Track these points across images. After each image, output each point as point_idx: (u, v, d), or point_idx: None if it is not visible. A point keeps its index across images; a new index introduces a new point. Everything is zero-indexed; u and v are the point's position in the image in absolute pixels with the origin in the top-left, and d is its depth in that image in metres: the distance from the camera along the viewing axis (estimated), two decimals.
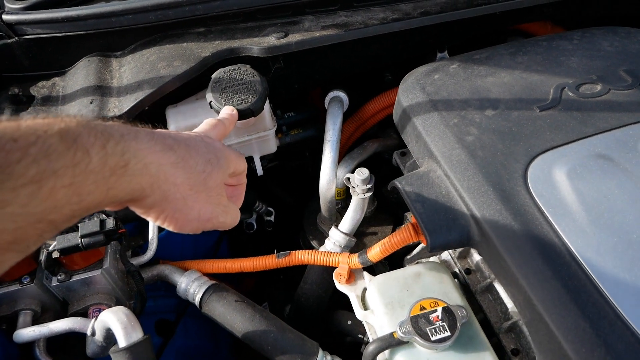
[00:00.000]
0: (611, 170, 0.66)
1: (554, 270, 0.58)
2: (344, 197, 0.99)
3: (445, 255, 0.86)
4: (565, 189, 0.64)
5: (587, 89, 0.78)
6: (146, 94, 0.75)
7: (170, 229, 0.52)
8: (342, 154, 0.99)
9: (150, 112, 0.79)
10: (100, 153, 0.41)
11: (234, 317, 0.73)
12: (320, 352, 0.75)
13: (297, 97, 0.99)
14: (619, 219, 0.62)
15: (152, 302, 0.95)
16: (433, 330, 0.64)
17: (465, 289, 0.82)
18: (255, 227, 1.06)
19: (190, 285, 0.77)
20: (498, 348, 0.77)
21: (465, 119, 0.75)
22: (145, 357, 0.59)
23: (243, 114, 0.73)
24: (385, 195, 1.02)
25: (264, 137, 0.85)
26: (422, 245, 0.84)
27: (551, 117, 0.74)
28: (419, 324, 0.64)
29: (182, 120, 0.80)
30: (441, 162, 0.71)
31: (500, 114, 0.75)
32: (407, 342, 0.65)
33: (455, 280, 0.78)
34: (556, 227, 0.61)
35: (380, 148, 1.01)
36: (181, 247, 0.93)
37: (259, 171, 0.90)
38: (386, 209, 1.02)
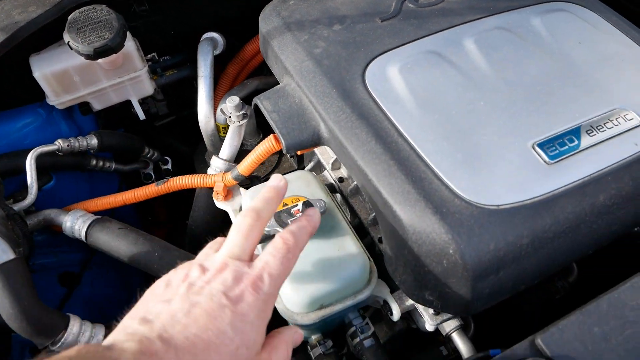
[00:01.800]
0: (438, 63, 0.74)
1: (384, 147, 0.66)
2: None
3: (325, 174, 0.94)
4: (397, 82, 0.72)
5: (426, 0, 0.86)
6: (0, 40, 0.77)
7: None
8: None
9: (13, 63, 0.80)
10: None
11: (118, 243, 0.77)
12: None
13: (174, 43, 1.02)
14: (441, 100, 0.70)
15: (53, 257, 0.97)
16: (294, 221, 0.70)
17: (344, 198, 0.90)
18: (153, 177, 1.10)
19: (75, 222, 0.80)
20: (370, 245, 0.86)
21: (315, 35, 0.81)
22: (16, 277, 0.62)
23: (103, 51, 0.76)
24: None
25: (137, 79, 0.88)
26: None
27: (391, 25, 0.81)
28: (282, 218, 0.71)
29: (47, 67, 0.82)
30: (293, 74, 0.77)
31: (346, 27, 0.82)
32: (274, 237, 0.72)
33: (326, 186, 0.85)
34: (388, 113, 0.69)
35: (262, 85, 1.06)
36: (76, 199, 0.95)
37: (141, 115, 0.93)
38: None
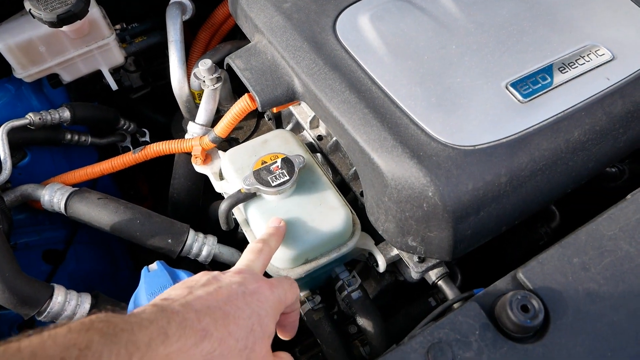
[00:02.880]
0: (408, 9, 0.74)
1: (358, 96, 0.65)
2: None
3: (304, 134, 0.93)
4: (368, 31, 0.71)
5: None
6: None
7: None
8: None
9: None
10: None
11: (99, 212, 0.76)
12: (192, 232, 0.80)
13: (142, 10, 0.99)
14: (413, 46, 0.69)
15: (36, 235, 0.96)
16: (273, 177, 0.70)
17: (324, 157, 0.90)
18: (132, 150, 1.08)
19: (54, 195, 0.79)
20: (354, 201, 0.86)
21: None
22: None
23: (66, 17, 0.74)
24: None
25: (105, 47, 0.86)
26: None
27: None
28: (261, 175, 0.70)
29: (10, 38, 0.79)
30: (264, 31, 0.76)
31: None
32: (255, 195, 0.72)
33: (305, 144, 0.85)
34: (360, 62, 0.68)
35: (235, 49, 1.03)
36: (54, 176, 0.94)
37: (113, 85, 0.92)
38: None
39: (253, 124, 1.01)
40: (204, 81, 0.86)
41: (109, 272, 1.04)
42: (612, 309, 0.55)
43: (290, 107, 0.93)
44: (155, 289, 0.62)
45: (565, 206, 1.04)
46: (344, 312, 0.92)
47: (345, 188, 0.86)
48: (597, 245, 0.60)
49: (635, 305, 0.56)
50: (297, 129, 0.94)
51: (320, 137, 0.88)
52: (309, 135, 0.90)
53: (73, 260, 0.97)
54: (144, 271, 0.65)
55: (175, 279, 0.64)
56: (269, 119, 0.99)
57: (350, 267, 0.81)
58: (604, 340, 0.54)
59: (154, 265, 0.65)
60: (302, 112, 0.91)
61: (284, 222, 0.66)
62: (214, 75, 0.84)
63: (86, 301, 0.68)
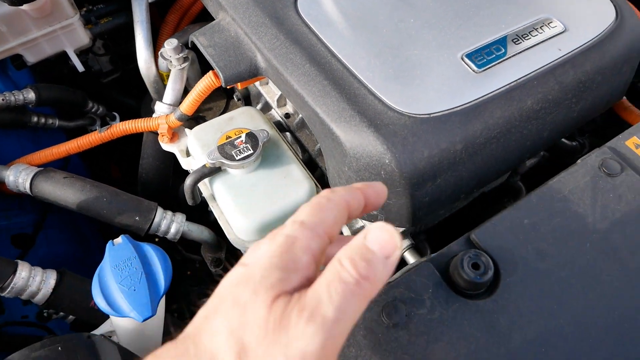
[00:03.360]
0: None
1: (318, 69, 0.67)
2: None
3: (272, 113, 0.94)
4: (328, 6, 0.73)
5: None
6: None
7: None
8: None
9: None
10: None
11: (65, 191, 0.76)
12: (160, 209, 0.81)
13: None
14: (372, 20, 0.71)
15: (5, 220, 0.96)
16: (238, 152, 0.71)
17: (292, 135, 0.91)
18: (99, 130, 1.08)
19: (19, 175, 0.79)
20: (321, 177, 0.87)
21: None
22: None
23: None
24: None
25: (69, 27, 0.86)
26: None
27: None
28: (225, 149, 0.71)
29: None
30: (227, 8, 0.77)
31: None
32: (221, 170, 0.73)
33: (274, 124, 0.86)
34: (320, 36, 0.69)
35: None
36: (21, 155, 0.93)
37: (79, 67, 0.91)
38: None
39: (223, 105, 1.02)
40: (170, 61, 0.86)
41: (81, 256, 1.04)
42: (559, 266, 0.58)
43: (259, 87, 0.94)
44: (120, 262, 0.63)
45: (531, 181, 1.07)
46: None
47: (313, 165, 0.88)
48: (547, 206, 0.62)
49: (581, 262, 0.58)
50: (266, 108, 0.95)
51: (287, 115, 0.90)
52: (277, 113, 0.91)
53: (44, 244, 0.97)
54: (108, 245, 0.65)
55: (140, 253, 0.65)
56: (238, 100, 1.00)
57: None
58: (551, 295, 0.56)
59: (119, 239, 0.66)
60: (270, 92, 0.92)
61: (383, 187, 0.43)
62: (180, 55, 0.85)
63: (51, 277, 0.68)
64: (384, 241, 0.36)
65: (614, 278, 0.58)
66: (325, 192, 0.40)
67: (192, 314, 1.00)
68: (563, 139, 1.03)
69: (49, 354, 0.55)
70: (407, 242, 0.81)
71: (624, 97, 1.01)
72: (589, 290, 0.57)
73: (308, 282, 0.35)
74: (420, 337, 0.53)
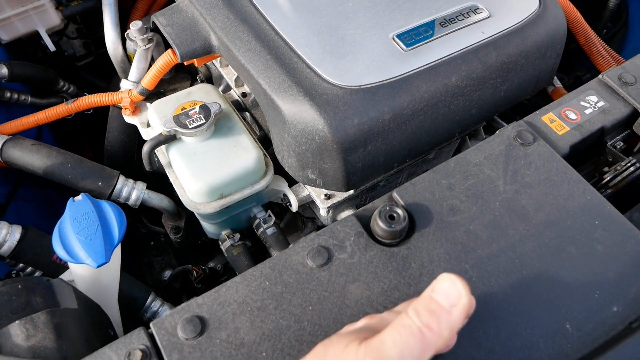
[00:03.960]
0: None
1: (262, 45, 0.73)
2: None
3: (231, 93, 1.01)
4: None
5: None
6: None
7: None
8: None
9: None
10: None
11: (32, 157, 0.82)
12: (122, 177, 0.87)
13: None
14: (314, 3, 0.78)
15: None
16: (191, 121, 0.78)
17: (249, 113, 0.98)
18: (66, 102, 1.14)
19: None
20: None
21: None
22: None
23: None
24: None
25: (41, 8, 0.92)
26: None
27: None
28: (180, 119, 0.78)
29: None
30: None
31: None
32: (176, 138, 0.79)
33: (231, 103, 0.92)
34: (267, 17, 0.76)
35: None
36: None
37: (50, 47, 0.97)
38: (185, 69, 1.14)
39: (187, 86, 1.09)
40: (136, 42, 0.92)
41: (52, 228, 1.09)
42: (469, 219, 0.65)
43: (220, 69, 1.00)
44: (78, 216, 0.69)
45: None
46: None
47: (268, 141, 0.94)
48: (463, 170, 0.69)
49: (489, 218, 0.65)
50: (227, 89, 1.02)
51: (244, 94, 0.96)
52: (235, 93, 0.98)
53: (14, 214, 1.02)
54: (69, 201, 0.71)
55: (97, 208, 0.71)
56: (201, 81, 1.07)
57: (268, 210, 0.90)
58: (460, 244, 0.63)
59: (79, 197, 0.72)
60: (229, 73, 0.99)
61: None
62: (145, 36, 0.91)
63: (17, 231, 0.74)
64: (447, 289, 0.37)
65: (518, 232, 0.65)
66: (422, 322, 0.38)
67: (154, 281, 1.08)
68: (504, 124, 1.11)
69: (10, 290, 0.61)
70: (352, 211, 0.88)
71: (560, 85, 1.09)
72: (494, 241, 0.64)
73: None
74: (339, 277, 0.60)
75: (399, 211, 0.62)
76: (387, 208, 0.63)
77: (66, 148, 1.27)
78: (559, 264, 0.62)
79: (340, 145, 0.69)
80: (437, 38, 0.75)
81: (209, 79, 1.05)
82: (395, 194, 0.67)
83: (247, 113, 0.98)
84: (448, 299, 0.37)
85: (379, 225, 0.62)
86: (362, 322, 0.45)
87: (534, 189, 0.69)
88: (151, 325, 0.56)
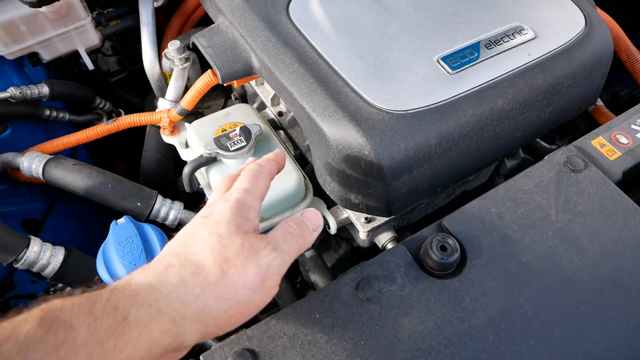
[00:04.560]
0: None
1: (306, 68, 0.73)
2: None
3: (267, 111, 1.00)
4: (317, 12, 0.79)
5: None
6: None
7: (238, 324, 0.47)
8: None
9: None
10: (87, 320, 0.36)
11: (73, 177, 0.83)
12: (160, 197, 0.87)
13: None
14: (357, 25, 0.77)
15: (16, 206, 1.02)
16: (232, 143, 0.77)
17: (285, 132, 0.97)
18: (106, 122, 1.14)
19: (32, 162, 0.85)
20: (311, 173, 0.93)
21: None
22: None
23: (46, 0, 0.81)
24: None
25: (82, 28, 0.92)
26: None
27: None
28: (221, 141, 0.78)
29: None
30: (225, 13, 0.83)
31: None
32: (216, 160, 0.79)
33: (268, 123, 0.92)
34: (309, 39, 0.76)
35: None
36: (33, 145, 0.99)
37: (89, 65, 0.98)
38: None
39: (221, 104, 1.09)
40: (173, 61, 0.93)
41: (86, 244, 1.10)
42: (521, 251, 0.63)
43: (255, 87, 1.00)
44: (122, 239, 0.69)
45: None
46: (306, 282, 0.99)
47: (304, 160, 0.94)
48: (513, 197, 0.68)
49: (542, 249, 0.64)
50: (262, 107, 1.01)
51: (280, 113, 0.96)
52: (271, 112, 0.97)
53: (51, 229, 1.03)
54: (112, 224, 0.71)
55: (140, 231, 0.71)
56: (236, 99, 1.06)
57: None
58: (513, 276, 0.61)
59: (122, 220, 0.72)
60: (265, 91, 0.99)
61: (281, 151, 0.62)
62: (182, 55, 0.92)
63: (60, 253, 0.74)
64: (314, 218, 0.56)
65: (573, 264, 0.63)
66: (254, 165, 0.57)
67: None
68: (544, 143, 1.09)
69: None
70: (390, 234, 0.87)
71: (601, 104, 1.07)
72: (549, 274, 0.62)
73: (255, 230, 0.51)
74: (390, 311, 0.59)
75: (451, 242, 0.61)
76: (439, 238, 0.61)
77: (99, 162, 1.29)
78: (618, 300, 0.60)
79: (387, 171, 0.68)
80: (482, 60, 0.73)
81: (244, 96, 1.05)
82: (444, 222, 0.65)
83: (281, 131, 0.98)
84: (313, 224, 0.56)
85: (431, 257, 0.60)
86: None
87: (588, 218, 0.67)
88: (201, 357, 0.55)
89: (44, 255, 0.72)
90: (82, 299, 0.38)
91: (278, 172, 0.60)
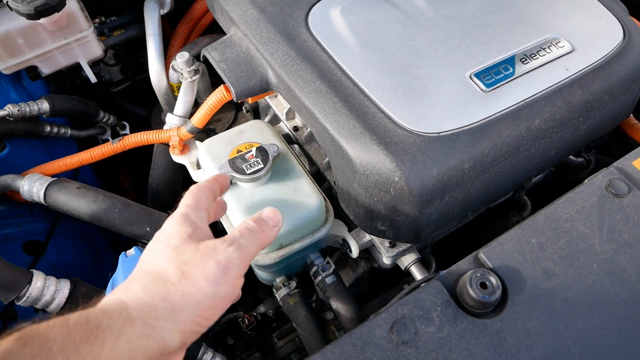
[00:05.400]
0: (378, 3, 0.76)
1: (328, 86, 0.68)
2: None
3: (281, 125, 0.95)
4: (339, 23, 0.74)
5: None
6: None
7: (212, 317, 0.48)
8: None
9: None
10: (62, 331, 0.39)
11: (78, 202, 0.77)
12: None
13: (120, 4, 1.01)
14: (382, 38, 0.72)
15: (17, 227, 0.97)
16: (248, 165, 0.72)
17: (300, 147, 0.92)
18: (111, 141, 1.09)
19: (33, 185, 0.80)
20: (328, 190, 0.88)
21: None
22: None
23: (44, 10, 0.75)
24: None
25: (84, 40, 0.87)
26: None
27: None
28: (236, 163, 0.72)
29: None
30: (239, 24, 0.78)
31: None
32: (231, 183, 0.74)
33: (283, 139, 0.87)
34: (331, 53, 0.71)
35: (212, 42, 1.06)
36: (34, 167, 0.94)
37: (92, 78, 0.93)
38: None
39: (232, 117, 1.03)
40: (181, 73, 0.87)
41: (92, 264, 1.05)
42: (566, 286, 0.59)
43: (268, 100, 0.95)
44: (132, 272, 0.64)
45: (536, 196, 1.08)
46: (322, 300, 0.95)
47: (321, 178, 0.89)
48: (554, 226, 0.63)
49: (587, 283, 0.59)
50: (275, 120, 0.96)
51: (296, 128, 0.91)
52: (286, 126, 0.92)
53: (54, 251, 0.98)
54: (121, 256, 0.66)
55: None
56: (247, 112, 1.01)
57: (326, 254, 0.84)
58: (558, 315, 0.57)
59: (131, 251, 0.67)
60: (278, 104, 0.93)
61: (226, 175, 0.65)
62: (192, 68, 0.86)
63: (65, 287, 0.69)
64: (273, 216, 0.58)
65: (621, 300, 0.58)
66: (193, 187, 0.59)
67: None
68: (571, 156, 1.04)
69: None
70: (414, 257, 0.82)
71: (631, 115, 1.02)
72: (596, 311, 0.57)
73: (209, 237, 0.53)
74: (428, 355, 0.54)
75: (492, 279, 0.56)
76: (478, 275, 0.56)
77: (103, 176, 1.24)
78: None
79: (418, 198, 0.63)
80: (518, 77, 0.68)
81: (255, 109, 1.00)
82: (482, 255, 0.61)
83: (295, 145, 0.92)
84: (272, 221, 0.58)
85: (470, 295, 0.56)
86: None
87: (634, 248, 0.62)
88: None
89: (47, 290, 0.67)
90: (56, 318, 0.41)
91: (221, 193, 0.62)
